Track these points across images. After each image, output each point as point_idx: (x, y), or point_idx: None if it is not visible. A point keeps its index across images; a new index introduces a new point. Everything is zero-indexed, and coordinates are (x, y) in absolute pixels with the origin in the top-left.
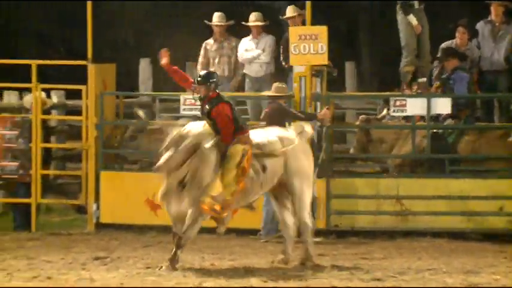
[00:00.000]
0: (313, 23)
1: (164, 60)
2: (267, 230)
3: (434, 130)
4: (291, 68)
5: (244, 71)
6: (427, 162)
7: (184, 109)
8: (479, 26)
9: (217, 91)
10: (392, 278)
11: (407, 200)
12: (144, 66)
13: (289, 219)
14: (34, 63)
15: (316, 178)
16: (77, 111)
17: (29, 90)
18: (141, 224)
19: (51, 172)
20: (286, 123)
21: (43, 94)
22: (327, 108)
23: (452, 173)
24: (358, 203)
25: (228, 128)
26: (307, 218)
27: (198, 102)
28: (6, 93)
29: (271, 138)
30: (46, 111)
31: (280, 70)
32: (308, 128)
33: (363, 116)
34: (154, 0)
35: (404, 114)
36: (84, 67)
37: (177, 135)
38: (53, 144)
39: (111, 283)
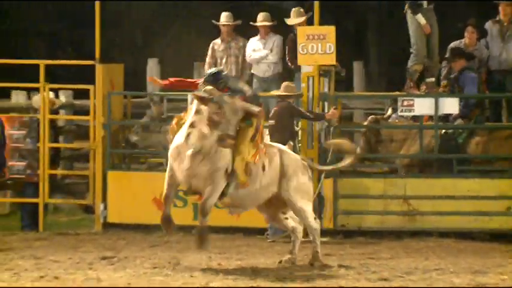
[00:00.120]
0: (321, 23)
1: (159, 83)
2: (273, 230)
3: (444, 130)
4: (297, 69)
5: (251, 71)
6: (436, 162)
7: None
8: (488, 25)
9: (228, 86)
10: (400, 278)
11: (414, 200)
12: (152, 66)
13: (294, 224)
14: (42, 63)
15: (323, 178)
16: (85, 111)
17: (37, 90)
18: (149, 224)
19: (59, 172)
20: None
21: (52, 94)
22: (335, 108)
23: (459, 172)
24: (365, 203)
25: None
26: (313, 222)
27: None
28: (14, 93)
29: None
30: (54, 111)
31: (287, 70)
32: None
33: (372, 116)
34: (162, 0)
35: (412, 114)
36: (92, 67)
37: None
38: (61, 144)
39: (118, 283)
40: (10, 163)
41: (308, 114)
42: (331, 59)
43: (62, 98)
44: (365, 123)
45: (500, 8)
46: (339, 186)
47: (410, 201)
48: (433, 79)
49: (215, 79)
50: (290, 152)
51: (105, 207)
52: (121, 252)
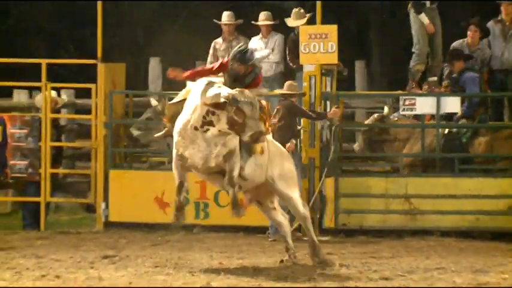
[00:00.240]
0: (323, 23)
1: (179, 76)
2: (274, 229)
3: (447, 130)
4: (298, 68)
5: None
6: (439, 161)
7: None
8: (490, 25)
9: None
10: (401, 277)
11: (415, 199)
12: (154, 65)
13: (280, 217)
14: (44, 62)
15: (325, 177)
16: (86, 110)
17: (38, 89)
18: (150, 223)
19: (61, 171)
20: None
21: (54, 93)
22: (337, 107)
23: (461, 171)
24: (366, 202)
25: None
26: (303, 210)
27: None
28: (16, 92)
29: None
30: (56, 110)
31: (289, 70)
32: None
33: (378, 114)
34: (163, 0)
35: (413, 113)
36: (94, 66)
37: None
38: (62, 143)
39: (120, 282)
40: (12, 162)
41: (310, 113)
42: (333, 58)
43: (64, 97)
44: (367, 121)
45: (502, 8)
46: (340, 185)
47: (412, 200)
48: (435, 78)
49: (244, 59)
50: (273, 139)
51: (107, 206)
52: (122, 251)
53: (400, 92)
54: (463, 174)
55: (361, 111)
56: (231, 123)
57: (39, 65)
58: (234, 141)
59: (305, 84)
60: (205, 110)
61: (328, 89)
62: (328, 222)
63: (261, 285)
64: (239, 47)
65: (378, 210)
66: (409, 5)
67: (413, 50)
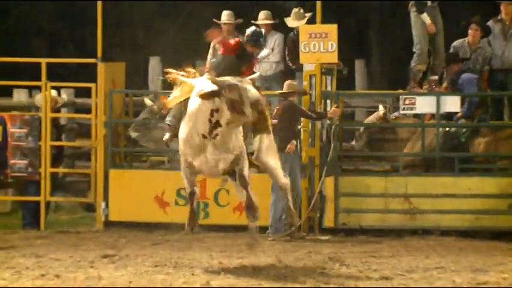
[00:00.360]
0: (323, 22)
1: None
2: (274, 229)
3: (447, 129)
4: (298, 68)
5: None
6: (439, 160)
7: None
8: (490, 24)
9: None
10: (401, 276)
11: (415, 198)
12: (154, 65)
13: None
14: (44, 61)
15: (325, 176)
16: (86, 110)
17: (38, 88)
18: (150, 222)
19: (60, 170)
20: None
21: (54, 92)
22: (337, 107)
23: (461, 171)
24: (366, 201)
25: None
26: (284, 179)
27: None
28: (16, 91)
29: None
30: (56, 110)
31: (289, 69)
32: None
33: (383, 110)
34: (164, 0)
35: (413, 112)
36: (94, 66)
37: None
38: (62, 142)
39: (119, 281)
40: (12, 161)
41: (310, 113)
42: (333, 57)
43: (64, 96)
44: (368, 119)
45: (502, 8)
46: (340, 185)
47: (412, 200)
48: (436, 77)
49: (257, 40)
50: None
51: (107, 206)
52: (122, 250)
53: (400, 91)
54: (462, 174)
55: (361, 111)
56: (232, 105)
57: (39, 64)
58: (240, 143)
59: (305, 83)
60: (208, 110)
61: (329, 88)
62: (328, 221)
63: (260, 285)
64: (256, 29)
65: (378, 210)
66: (410, 4)
67: (414, 49)
